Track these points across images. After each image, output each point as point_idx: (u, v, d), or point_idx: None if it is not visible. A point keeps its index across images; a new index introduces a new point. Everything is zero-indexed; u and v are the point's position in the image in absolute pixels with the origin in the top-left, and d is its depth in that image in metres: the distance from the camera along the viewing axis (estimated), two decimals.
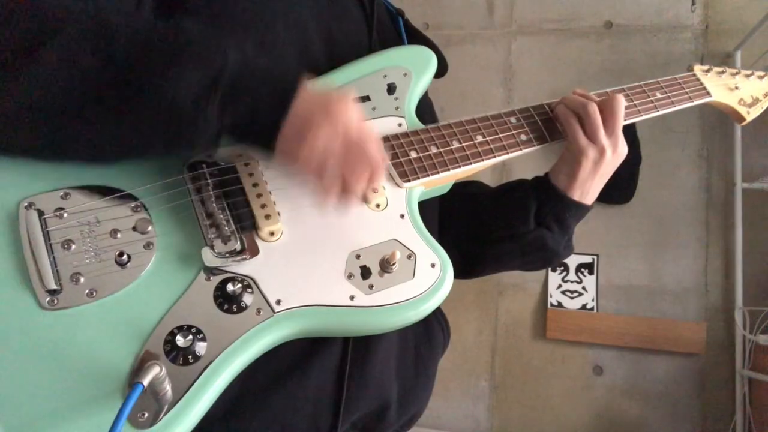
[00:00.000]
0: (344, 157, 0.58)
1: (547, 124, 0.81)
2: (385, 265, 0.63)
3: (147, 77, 0.53)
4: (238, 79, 0.56)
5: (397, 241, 0.65)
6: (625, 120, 0.82)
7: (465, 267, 0.90)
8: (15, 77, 0.50)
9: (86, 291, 0.55)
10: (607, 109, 0.79)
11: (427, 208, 0.79)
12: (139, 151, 0.58)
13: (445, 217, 0.88)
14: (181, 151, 0.60)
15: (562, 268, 2.49)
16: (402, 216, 0.68)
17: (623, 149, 0.80)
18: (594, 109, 0.78)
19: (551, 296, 2.48)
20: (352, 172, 0.59)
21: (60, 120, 0.53)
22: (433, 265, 0.65)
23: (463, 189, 0.92)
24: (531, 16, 2.69)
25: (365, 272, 0.62)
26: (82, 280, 0.55)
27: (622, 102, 0.79)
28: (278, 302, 0.59)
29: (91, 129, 0.54)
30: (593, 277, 2.46)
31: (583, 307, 2.45)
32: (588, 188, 0.81)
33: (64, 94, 0.52)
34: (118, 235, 0.58)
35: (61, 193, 0.58)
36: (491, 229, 0.86)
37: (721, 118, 2.44)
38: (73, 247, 0.56)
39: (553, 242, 0.84)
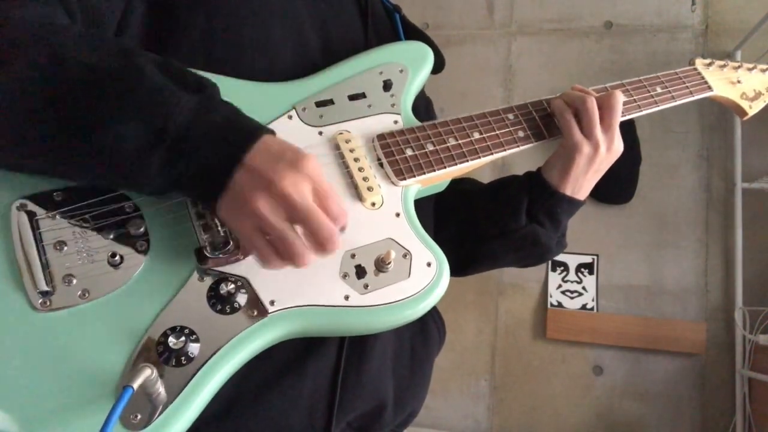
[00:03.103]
0: (306, 210, 0.53)
1: (545, 121, 0.80)
2: (381, 265, 0.62)
3: (92, 121, 0.51)
4: (185, 134, 0.52)
5: (393, 240, 0.65)
6: (624, 115, 0.81)
7: (459, 264, 0.89)
8: None
9: (79, 292, 0.55)
10: (604, 105, 0.78)
11: (423, 206, 0.79)
12: (87, 183, 0.58)
13: (439, 215, 0.87)
14: (125, 190, 0.59)
15: (562, 268, 2.48)
16: (398, 215, 0.67)
17: (619, 146, 0.79)
18: (592, 104, 0.77)
19: (551, 296, 2.47)
20: (315, 225, 0.53)
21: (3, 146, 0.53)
22: (429, 264, 0.65)
23: (455, 186, 0.91)
24: (531, 16, 2.68)
25: (360, 272, 0.62)
26: (74, 281, 0.55)
27: (620, 98, 0.79)
28: (272, 303, 0.58)
29: (35, 162, 0.54)
30: (593, 277, 2.46)
31: (583, 307, 2.44)
32: (581, 184, 0.80)
33: (6, 123, 0.51)
34: (111, 236, 0.57)
35: (54, 194, 0.57)
36: (483, 226, 0.86)
37: (721, 118, 2.43)
38: (66, 248, 0.56)
39: (545, 238, 0.83)
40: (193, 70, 0.57)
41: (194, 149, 0.52)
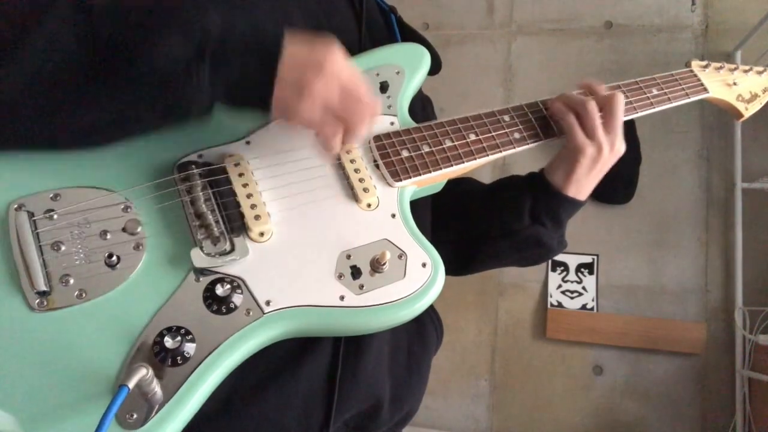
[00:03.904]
0: (342, 104, 0.60)
1: (541, 122, 0.81)
2: (376, 265, 0.62)
3: (133, 51, 0.53)
4: (222, 41, 0.56)
5: (388, 240, 0.65)
6: None
7: (461, 264, 0.90)
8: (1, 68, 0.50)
9: (76, 292, 0.55)
10: (606, 107, 0.79)
11: (420, 207, 0.79)
12: (135, 126, 0.59)
13: (439, 215, 0.87)
14: (177, 121, 0.60)
15: (562, 268, 2.48)
16: (393, 216, 0.68)
17: (621, 147, 0.80)
18: (593, 107, 0.78)
19: (551, 296, 2.47)
20: (352, 116, 0.61)
21: (50, 107, 0.53)
22: (424, 265, 0.65)
23: (456, 187, 0.91)
24: (531, 16, 2.69)
25: (356, 272, 0.62)
26: (71, 281, 0.55)
27: (621, 100, 0.79)
28: (268, 303, 0.58)
29: (84, 112, 0.55)
30: (593, 277, 2.46)
31: (583, 307, 2.44)
32: (583, 185, 0.81)
33: (53, 80, 0.52)
34: (108, 236, 0.57)
35: (51, 195, 0.58)
36: (485, 226, 0.86)
37: (721, 118, 2.43)
38: (63, 248, 0.56)
39: (547, 238, 0.84)
40: None
41: (235, 54, 0.56)
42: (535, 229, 0.83)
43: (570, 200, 0.82)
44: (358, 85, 0.61)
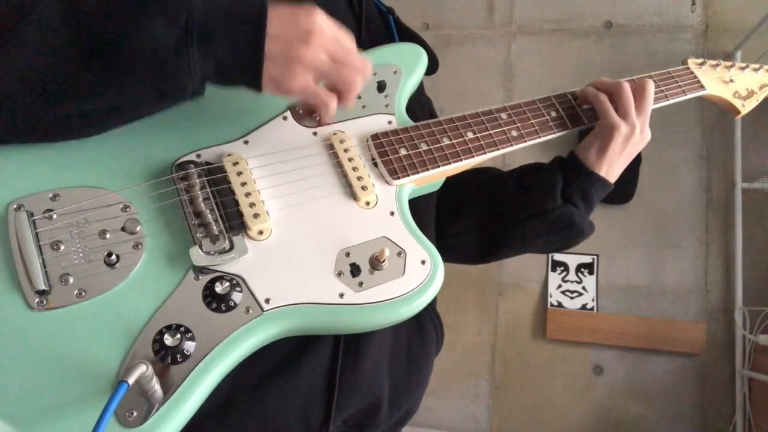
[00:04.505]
0: (334, 68, 0.61)
1: (539, 120, 0.81)
2: (375, 263, 0.62)
3: (121, 37, 0.53)
4: (207, 21, 0.56)
5: (387, 238, 0.65)
6: None
7: (486, 250, 0.91)
8: None
9: (75, 291, 0.55)
10: (637, 90, 0.83)
11: (423, 205, 0.79)
12: (131, 111, 0.59)
13: (463, 203, 0.89)
14: (172, 103, 0.60)
15: (562, 268, 2.49)
16: (392, 213, 0.68)
17: (649, 133, 0.84)
18: (628, 88, 0.82)
19: (551, 296, 2.47)
20: (344, 79, 0.63)
21: (44, 99, 0.54)
22: (423, 262, 0.65)
23: (479, 175, 0.93)
24: (531, 16, 2.69)
25: (355, 270, 0.62)
26: (71, 280, 0.55)
27: (652, 86, 0.84)
28: (267, 301, 0.58)
29: (79, 101, 0.55)
30: (593, 277, 2.46)
31: (583, 307, 2.44)
32: (614, 165, 0.84)
33: (46, 73, 0.53)
34: (107, 236, 0.58)
35: (51, 195, 0.58)
36: (517, 207, 0.87)
37: (722, 118, 2.43)
38: (62, 247, 0.56)
39: (579, 219, 0.84)
40: None
41: (220, 34, 0.56)
42: (567, 209, 0.83)
43: (602, 180, 0.83)
44: (345, 47, 0.62)
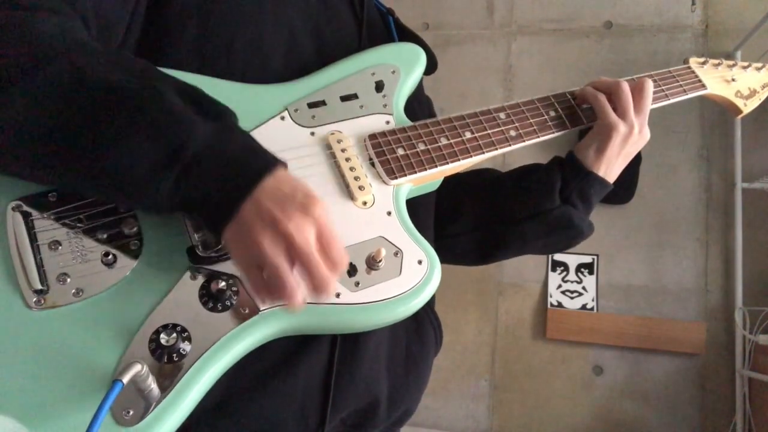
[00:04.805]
0: (313, 256, 0.53)
1: (537, 120, 0.81)
2: (372, 263, 0.63)
3: (106, 138, 0.51)
4: (197, 162, 0.52)
5: (384, 238, 0.65)
6: None
7: (485, 251, 0.91)
8: None
9: (73, 290, 0.55)
10: (636, 90, 0.83)
11: (422, 206, 0.79)
12: (85, 194, 0.58)
13: (462, 204, 0.89)
14: (124, 205, 0.59)
15: (562, 268, 2.49)
16: (389, 213, 0.68)
17: (647, 132, 0.83)
18: (627, 88, 0.82)
19: (551, 296, 2.47)
20: (320, 274, 0.53)
21: (10, 161, 0.54)
22: (420, 262, 0.65)
23: (477, 176, 0.93)
24: (531, 16, 2.69)
25: (351, 269, 0.62)
26: (68, 280, 0.55)
27: (651, 85, 0.84)
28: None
29: (38, 171, 0.55)
30: (593, 277, 2.46)
31: (583, 307, 2.44)
32: (612, 165, 0.84)
33: (22, 139, 0.51)
34: (105, 236, 0.58)
35: (49, 195, 0.58)
36: (516, 208, 0.87)
37: (722, 118, 2.43)
38: (60, 247, 0.56)
39: (578, 219, 0.85)
40: (214, 98, 0.57)
41: (205, 177, 0.52)
42: (565, 209, 0.84)
43: (600, 180, 0.83)
44: (334, 238, 0.54)
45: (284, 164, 0.56)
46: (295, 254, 0.52)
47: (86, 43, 0.56)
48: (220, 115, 0.56)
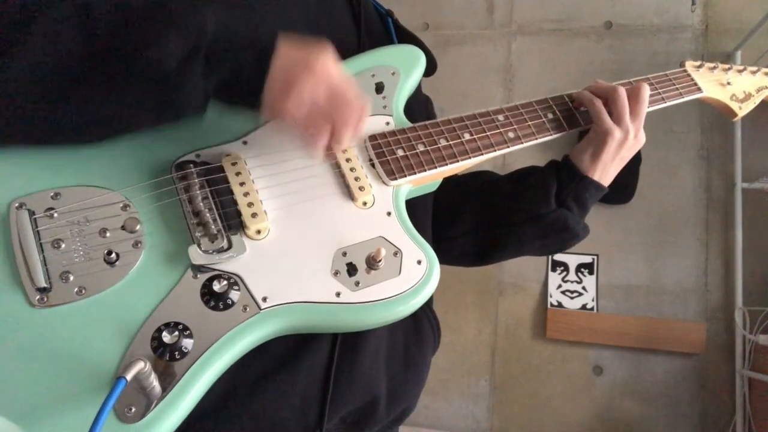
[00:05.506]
0: (330, 105, 0.61)
1: (535, 122, 0.82)
2: (371, 262, 0.63)
3: (131, 49, 0.54)
4: (218, 41, 0.57)
5: (384, 238, 0.66)
6: None
7: (482, 253, 0.92)
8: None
9: (75, 289, 0.56)
10: (632, 95, 0.83)
11: (420, 209, 0.80)
12: (130, 123, 0.60)
13: (460, 206, 0.90)
14: (171, 119, 0.61)
15: (562, 268, 2.49)
16: (389, 214, 0.68)
17: (643, 136, 0.84)
18: (623, 93, 0.83)
19: (551, 296, 2.48)
20: (339, 117, 0.62)
21: (46, 104, 0.54)
22: (419, 262, 0.66)
23: (475, 179, 0.94)
24: (531, 16, 2.69)
25: (351, 269, 0.63)
26: (71, 278, 0.56)
27: (647, 90, 0.84)
28: (264, 299, 0.59)
29: (80, 109, 0.56)
30: (593, 277, 2.46)
31: (583, 307, 2.45)
32: (607, 170, 0.85)
33: (50, 77, 0.53)
34: (107, 234, 0.58)
35: (52, 194, 0.59)
36: (510, 213, 0.88)
37: (721, 118, 2.43)
38: (63, 246, 0.57)
39: (573, 222, 0.85)
40: None
41: (232, 50, 0.58)
42: (561, 213, 0.84)
43: (595, 184, 0.84)
44: (347, 88, 0.62)
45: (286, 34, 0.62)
46: (334, 88, 0.61)
47: None
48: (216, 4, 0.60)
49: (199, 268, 0.59)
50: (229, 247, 0.60)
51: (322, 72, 0.60)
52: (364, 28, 0.84)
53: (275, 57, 0.59)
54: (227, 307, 0.58)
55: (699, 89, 0.93)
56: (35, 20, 0.52)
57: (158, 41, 0.54)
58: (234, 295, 0.58)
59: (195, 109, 0.60)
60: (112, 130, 0.61)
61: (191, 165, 0.64)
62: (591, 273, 2.47)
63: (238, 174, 0.64)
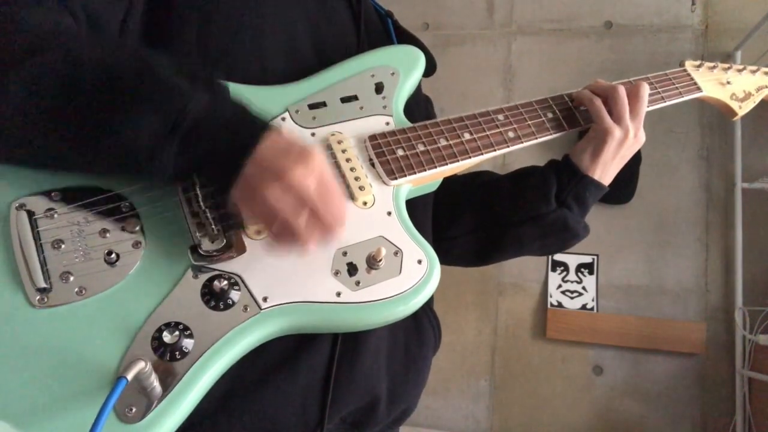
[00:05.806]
0: (319, 196, 0.56)
1: (535, 121, 0.82)
2: (372, 262, 0.63)
3: (108, 116, 0.53)
4: (197, 126, 0.55)
5: (384, 238, 0.66)
6: None
7: (482, 253, 0.92)
8: None
9: (76, 289, 0.56)
10: (632, 94, 0.84)
11: (421, 206, 0.80)
12: (94, 174, 0.60)
13: (460, 207, 0.90)
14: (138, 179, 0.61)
15: (562, 268, 2.49)
16: (389, 213, 0.68)
17: (643, 136, 0.84)
18: (623, 92, 0.83)
19: (551, 296, 2.48)
20: (330, 209, 0.57)
21: (14, 145, 0.55)
22: (419, 262, 0.66)
23: (475, 179, 0.94)
24: (531, 16, 2.69)
25: (352, 269, 0.63)
26: (71, 278, 0.56)
27: (647, 89, 0.84)
28: (265, 299, 0.59)
29: (46, 155, 0.56)
30: (593, 277, 2.46)
31: (583, 307, 2.45)
32: (608, 169, 0.85)
33: (23, 123, 0.53)
34: (107, 235, 0.58)
35: (52, 194, 0.59)
36: (512, 211, 0.88)
37: (722, 118, 2.43)
38: (63, 246, 0.57)
39: (573, 222, 0.85)
40: (209, 71, 0.61)
41: (207, 139, 0.55)
42: (561, 213, 0.84)
43: (595, 183, 0.84)
44: (335, 186, 0.59)
45: (278, 129, 0.59)
46: (302, 202, 0.56)
47: (76, 32, 0.58)
48: (213, 84, 0.59)
49: (199, 268, 0.59)
50: (230, 247, 0.60)
51: (315, 165, 0.57)
52: (363, 29, 0.84)
53: (260, 145, 0.56)
54: (228, 307, 0.58)
55: (699, 88, 0.93)
56: (22, 63, 0.52)
57: (136, 115, 0.53)
58: (234, 295, 0.58)
59: (161, 183, 0.60)
60: (72, 170, 0.60)
61: None
62: (591, 273, 2.47)
63: None
